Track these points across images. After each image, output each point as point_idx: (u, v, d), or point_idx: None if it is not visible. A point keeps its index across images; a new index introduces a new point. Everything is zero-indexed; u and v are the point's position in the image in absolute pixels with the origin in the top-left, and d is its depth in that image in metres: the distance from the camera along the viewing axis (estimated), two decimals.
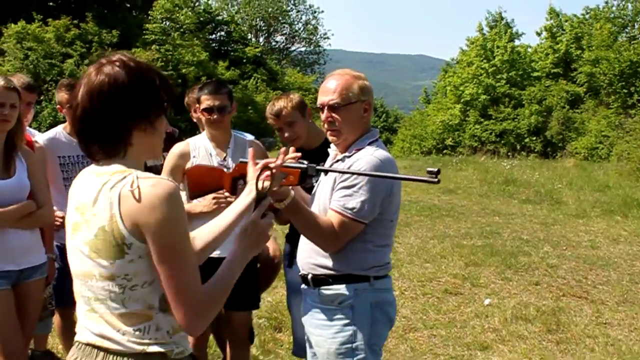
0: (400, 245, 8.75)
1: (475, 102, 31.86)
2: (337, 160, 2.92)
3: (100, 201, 1.77)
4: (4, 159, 3.37)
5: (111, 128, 1.80)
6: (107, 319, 1.82)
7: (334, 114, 2.80)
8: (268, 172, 2.42)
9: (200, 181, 3.29)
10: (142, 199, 1.71)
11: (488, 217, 11.33)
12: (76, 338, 1.91)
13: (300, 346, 3.57)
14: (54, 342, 4.71)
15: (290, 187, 2.58)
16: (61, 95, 4.06)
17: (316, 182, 3.01)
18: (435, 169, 2.28)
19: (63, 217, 4.01)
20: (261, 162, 2.45)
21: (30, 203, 3.41)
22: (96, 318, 1.84)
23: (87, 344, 1.86)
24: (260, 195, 2.13)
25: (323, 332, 2.83)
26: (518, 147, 29.14)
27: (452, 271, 7.40)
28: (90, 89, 1.80)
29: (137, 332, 1.81)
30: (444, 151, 31.48)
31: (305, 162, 2.59)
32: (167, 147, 3.28)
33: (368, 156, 2.76)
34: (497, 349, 5.10)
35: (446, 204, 13.04)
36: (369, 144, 2.86)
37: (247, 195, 2.29)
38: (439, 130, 33.02)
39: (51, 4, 33.93)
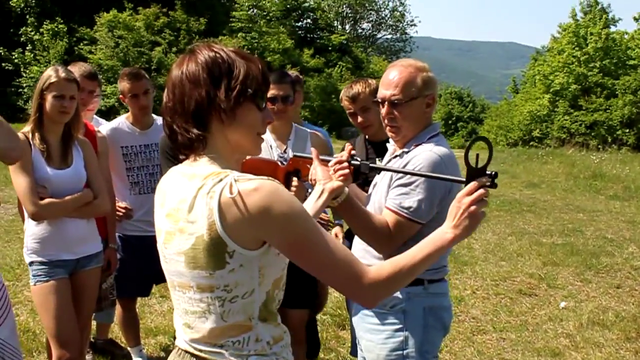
0: (476, 241, 8.51)
1: (565, 91, 30.83)
2: (395, 156, 2.79)
3: (198, 208, 1.64)
4: (61, 149, 3.41)
5: (193, 119, 1.71)
6: (204, 333, 1.75)
7: (395, 110, 2.66)
8: (345, 171, 2.39)
9: (254, 174, 3.23)
10: (248, 207, 1.59)
11: (571, 214, 10.91)
12: (176, 342, 1.86)
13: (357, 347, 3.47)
14: (118, 331, 4.76)
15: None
16: (123, 85, 4.08)
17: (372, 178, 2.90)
18: (492, 172, 2.06)
19: (125, 208, 4.09)
20: (333, 161, 2.42)
21: (86, 193, 3.44)
22: (192, 332, 1.78)
23: (186, 351, 1.81)
24: (472, 172, 1.88)
25: (373, 336, 2.73)
26: (609, 139, 28.02)
27: (528, 270, 7.13)
28: (174, 78, 1.75)
29: (236, 344, 1.73)
30: (531, 143, 30.59)
31: (359, 158, 2.49)
32: None
33: (427, 152, 2.61)
34: (570, 356, 4.83)
35: (528, 198, 12.64)
36: (429, 139, 2.70)
37: (319, 197, 2.28)
38: (526, 121, 32.16)
39: None
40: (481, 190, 1.83)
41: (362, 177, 2.56)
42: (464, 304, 5.97)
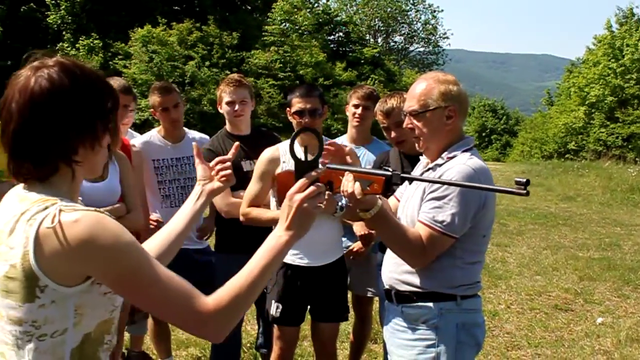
0: (510, 255, 8.39)
1: (601, 104, 30.43)
2: (428, 169, 2.75)
3: (17, 234, 1.50)
4: None
5: (53, 145, 1.54)
6: None
7: (414, 121, 2.66)
8: (227, 172, 2.14)
9: (289, 187, 3.20)
10: (68, 240, 1.45)
11: (608, 228, 10.72)
12: None
13: None
14: (149, 343, 4.76)
15: (378, 195, 2.43)
16: (153, 99, 4.11)
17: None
18: (524, 180, 1.98)
19: (157, 220, 4.09)
20: (215, 160, 2.14)
21: (120, 207, 3.45)
22: None
23: None
24: (302, 166, 1.80)
25: (404, 352, 2.67)
26: None
27: (564, 285, 7.00)
28: (28, 97, 1.52)
29: None
30: (566, 155, 30.25)
31: (390, 169, 2.43)
32: None
33: (460, 165, 2.57)
34: None
35: (564, 212, 12.45)
36: (463, 152, 2.66)
37: (197, 199, 2.10)
38: (561, 134, 31.83)
39: (176, 7, 35.34)
40: (312, 187, 1.73)
41: (394, 186, 2.50)
42: (498, 319, 5.87)
